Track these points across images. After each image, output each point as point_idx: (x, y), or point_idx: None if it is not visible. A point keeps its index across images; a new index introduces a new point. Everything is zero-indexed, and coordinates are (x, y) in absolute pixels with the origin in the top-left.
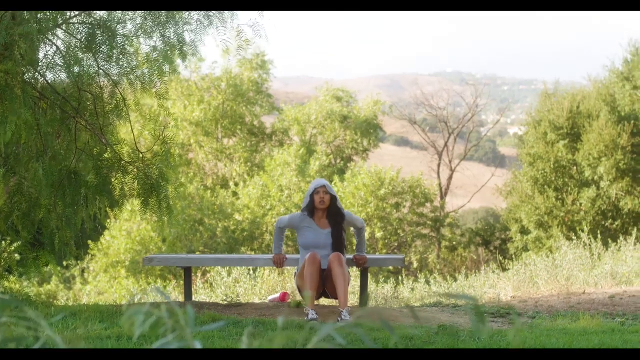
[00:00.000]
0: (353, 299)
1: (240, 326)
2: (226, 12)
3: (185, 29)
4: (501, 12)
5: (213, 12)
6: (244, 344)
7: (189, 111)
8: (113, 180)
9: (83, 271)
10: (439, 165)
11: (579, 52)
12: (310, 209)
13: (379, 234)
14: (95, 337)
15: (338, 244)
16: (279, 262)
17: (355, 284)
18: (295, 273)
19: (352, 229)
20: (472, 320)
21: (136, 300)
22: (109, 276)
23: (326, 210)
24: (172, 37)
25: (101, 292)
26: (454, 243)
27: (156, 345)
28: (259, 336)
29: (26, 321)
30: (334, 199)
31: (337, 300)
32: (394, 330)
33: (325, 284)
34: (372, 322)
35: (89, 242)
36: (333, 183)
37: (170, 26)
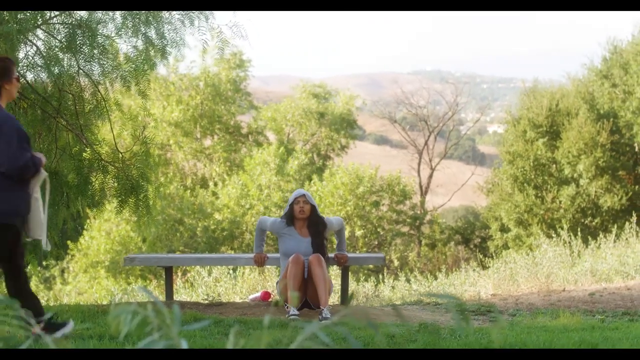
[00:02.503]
0: (334, 297)
1: (222, 325)
2: (207, 11)
3: (166, 28)
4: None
5: (194, 12)
6: (230, 342)
7: (168, 111)
8: (93, 180)
9: (63, 271)
10: (419, 164)
11: (557, 51)
12: (290, 218)
13: (358, 232)
14: (77, 336)
15: (317, 249)
16: (260, 261)
17: (335, 282)
18: (277, 282)
19: (333, 233)
20: (455, 318)
21: (117, 300)
22: (89, 276)
23: (307, 220)
24: (152, 37)
25: (81, 292)
26: (434, 240)
27: (142, 344)
28: (244, 335)
29: (16, 320)
30: (313, 208)
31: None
32: (378, 329)
33: (307, 291)
34: (356, 321)
35: (68, 242)
36: (312, 182)
37: (151, 26)
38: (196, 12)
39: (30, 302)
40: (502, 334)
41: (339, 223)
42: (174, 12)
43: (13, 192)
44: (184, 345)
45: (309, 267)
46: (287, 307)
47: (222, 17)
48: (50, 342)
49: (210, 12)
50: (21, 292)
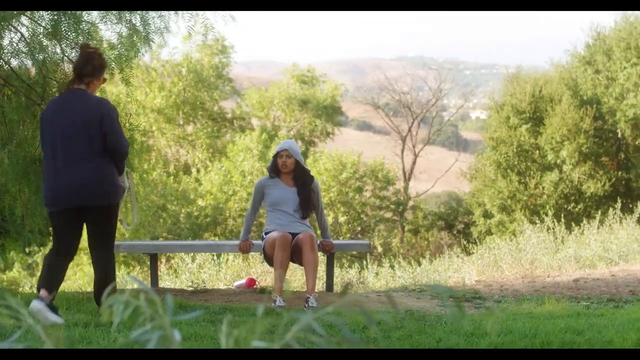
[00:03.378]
0: (319, 284)
1: (208, 312)
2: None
3: (150, 15)
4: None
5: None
6: (223, 332)
7: (150, 98)
8: None
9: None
10: (402, 150)
11: (540, 37)
12: (274, 170)
13: (342, 219)
14: (52, 325)
15: (306, 202)
16: (245, 249)
17: (320, 269)
18: (263, 237)
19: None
20: (449, 309)
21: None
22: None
23: (292, 172)
24: (137, 24)
25: (64, 279)
26: (417, 226)
27: (135, 334)
28: (236, 324)
29: (7, 309)
30: (298, 162)
31: (305, 284)
32: (373, 320)
33: (294, 252)
34: (351, 311)
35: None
36: None
37: (136, 13)
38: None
39: (112, 275)
40: (484, 320)
41: (321, 203)
42: None
43: (115, 175)
44: (177, 335)
45: (300, 244)
46: (274, 297)
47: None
48: (40, 331)
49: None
50: (110, 266)
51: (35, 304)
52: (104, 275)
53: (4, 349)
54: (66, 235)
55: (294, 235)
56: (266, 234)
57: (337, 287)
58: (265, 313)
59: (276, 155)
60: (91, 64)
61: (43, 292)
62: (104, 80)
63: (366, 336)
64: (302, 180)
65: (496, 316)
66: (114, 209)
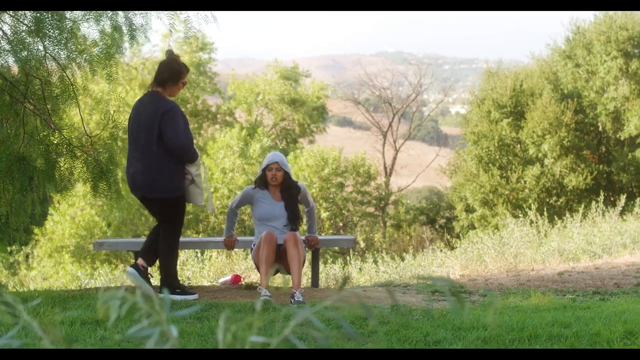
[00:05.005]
0: (304, 280)
1: (186, 308)
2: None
3: (132, 12)
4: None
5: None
6: (221, 328)
7: (131, 96)
8: (62, 164)
9: (27, 256)
10: (383, 145)
11: (520, 31)
12: (263, 183)
13: (324, 214)
14: (48, 322)
15: (293, 217)
16: (230, 245)
17: (305, 265)
18: (252, 248)
19: (303, 208)
20: (450, 302)
21: (83, 286)
22: (54, 261)
23: (279, 185)
24: (120, 22)
25: (46, 277)
26: (399, 221)
27: (131, 330)
28: (233, 320)
29: (4, 306)
30: (287, 174)
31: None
32: (372, 314)
33: (281, 260)
34: (350, 306)
35: (33, 227)
36: None
37: (119, 11)
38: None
39: (174, 261)
40: (474, 314)
41: (312, 201)
42: None
43: (176, 171)
44: (174, 332)
45: (284, 244)
46: (259, 289)
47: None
48: (37, 327)
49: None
50: (173, 251)
51: (130, 270)
52: (161, 267)
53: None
54: (152, 214)
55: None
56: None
57: (322, 283)
58: (251, 309)
59: (265, 168)
60: (168, 70)
61: (140, 260)
62: (183, 84)
63: (363, 330)
64: (289, 192)
65: (496, 307)
66: (172, 203)
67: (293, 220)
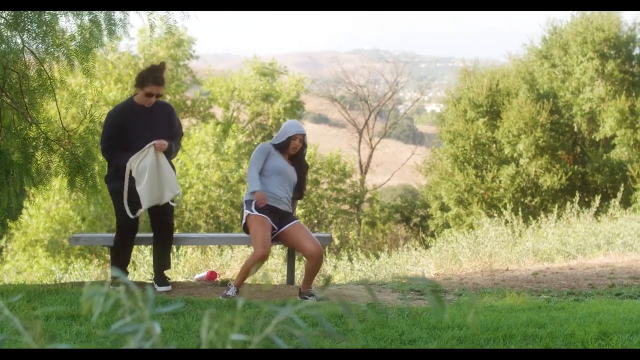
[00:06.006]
0: (278, 277)
1: (169, 304)
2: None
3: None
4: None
5: None
6: (204, 326)
7: (106, 91)
8: (39, 158)
9: (1, 250)
10: (359, 143)
11: (497, 30)
12: (283, 148)
13: (299, 211)
14: (24, 317)
15: (301, 184)
16: (263, 199)
17: (278, 261)
18: (246, 203)
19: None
20: (430, 302)
21: (58, 280)
22: (28, 255)
23: (294, 156)
24: (99, 15)
25: (20, 271)
26: (374, 219)
27: (115, 326)
28: (200, 317)
29: None
30: (304, 148)
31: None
32: (353, 314)
33: (284, 240)
34: (331, 305)
35: (8, 220)
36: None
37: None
38: None
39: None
40: (449, 313)
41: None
42: None
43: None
44: (157, 328)
45: (310, 254)
46: (229, 284)
47: None
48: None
49: None
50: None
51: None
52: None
53: None
54: None
55: (279, 215)
56: (250, 202)
57: (297, 281)
58: (227, 306)
59: (290, 137)
60: (138, 74)
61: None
62: (147, 95)
63: (339, 328)
64: (300, 163)
65: (476, 308)
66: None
67: (299, 189)
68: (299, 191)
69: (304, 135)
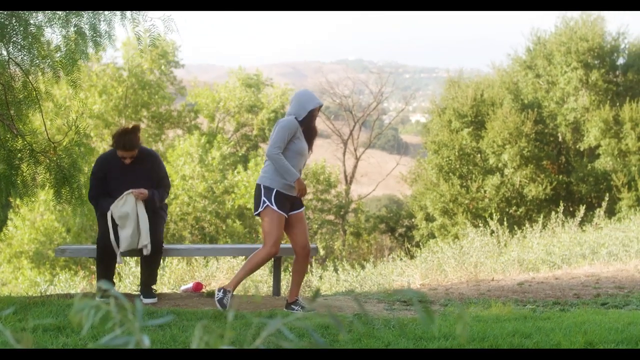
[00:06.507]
0: (264, 288)
1: (155, 316)
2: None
3: (97, 19)
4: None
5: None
6: (196, 337)
7: (90, 103)
8: (24, 170)
9: None
10: (344, 153)
11: (481, 40)
12: (307, 125)
13: None
14: (10, 328)
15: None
16: (305, 189)
17: (264, 272)
18: (263, 189)
19: None
20: (419, 314)
21: (43, 292)
22: (12, 266)
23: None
24: (85, 28)
25: (4, 282)
26: (359, 229)
27: (105, 339)
28: (186, 328)
29: None
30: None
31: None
32: (342, 327)
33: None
34: (320, 316)
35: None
36: (236, 171)
37: (83, 16)
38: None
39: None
40: (437, 325)
41: None
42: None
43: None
44: (146, 341)
45: (298, 252)
46: (223, 292)
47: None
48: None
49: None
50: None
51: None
52: None
53: None
54: None
55: (291, 201)
56: (271, 190)
57: (283, 292)
58: (211, 317)
59: (312, 110)
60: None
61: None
62: (122, 157)
63: (326, 339)
64: (313, 137)
65: (465, 320)
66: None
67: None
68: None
69: (321, 105)
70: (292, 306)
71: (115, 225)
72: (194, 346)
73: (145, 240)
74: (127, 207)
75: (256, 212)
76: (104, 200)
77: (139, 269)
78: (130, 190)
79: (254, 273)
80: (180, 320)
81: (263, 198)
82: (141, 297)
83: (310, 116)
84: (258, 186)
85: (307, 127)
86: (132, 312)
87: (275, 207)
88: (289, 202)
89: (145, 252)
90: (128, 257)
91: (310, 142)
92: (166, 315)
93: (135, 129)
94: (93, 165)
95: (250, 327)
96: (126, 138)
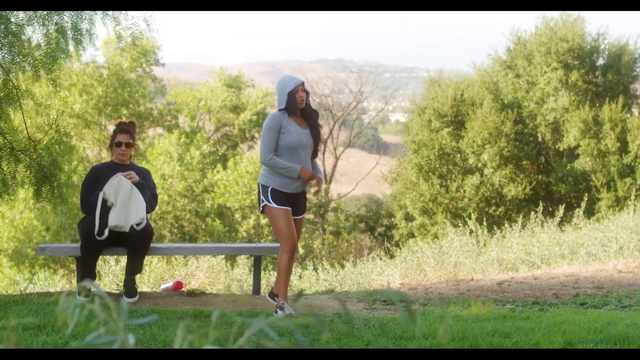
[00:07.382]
0: (244, 287)
1: (135, 315)
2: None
3: (78, 17)
4: None
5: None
6: (179, 337)
7: (71, 102)
8: (4, 168)
9: None
10: (323, 153)
11: (462, 40)
12: (292, 109)
13: (264, 221)
14: (5, 329)
15: (316, 144)
16: (312, 175)
17: (243, 271)
18: (261, 188)
19: None
20: (400, 314)
21: (22, 290)
22: None
23: (301, 110)
24: (66, 26)
25: None
26: (338, 228)
27: (89, 338)
28: (166, 327)
29: None
30: (308, 95)
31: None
32: (325, 327)
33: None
34: (303, 316)
35: None
36: (216, 170)
37: (64, 15)
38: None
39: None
40: (420, 326)
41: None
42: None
43: None
44: (132, 339)
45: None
46: (280, 302)
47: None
48: None
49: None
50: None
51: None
52: None
53: None
54: None
55: (292, 200)
56: (267, 188)
57: (262, 291)
58: (192, 315)
59: (291, 92)
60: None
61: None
62: (119, 153)
63: (306, 338)
64: (312, 116)
65: (447, 322)
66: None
67: (316, 147)
68: (315, 150)
69: (302, 82)
70: (277, 309)
71: (103, 212)
72: (176, 346)
73: (141, 213)
74: (119, 184)
75: (260, 211)
76: (93, 196)
77: (118, 267)
78: (119, 173)
79: (236, 272)
80: (160, 320)
81: (261, 197)
82: (124, 296)
83: (293, 99)
84: (258, 185)
85: (301, 111)
86: (116, 311)
87: (273, 204)
88: (290, 200)
89: (139, 227)
90: (108, 256)
91: (312, 124)
92: (149, 315)
93: (132, 123)
94: (85, 175)
95: (232, 326)
96: (124, 124)
